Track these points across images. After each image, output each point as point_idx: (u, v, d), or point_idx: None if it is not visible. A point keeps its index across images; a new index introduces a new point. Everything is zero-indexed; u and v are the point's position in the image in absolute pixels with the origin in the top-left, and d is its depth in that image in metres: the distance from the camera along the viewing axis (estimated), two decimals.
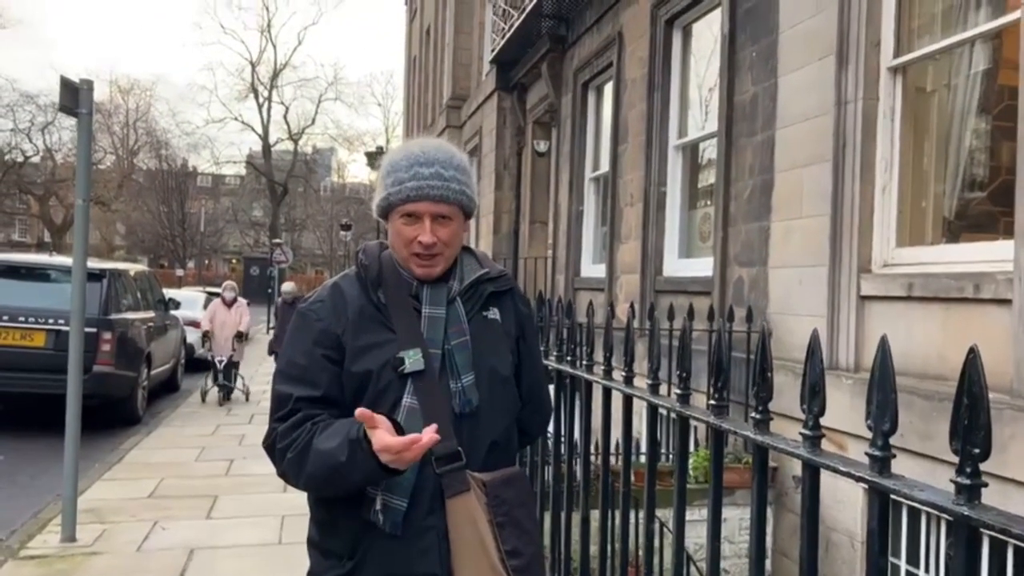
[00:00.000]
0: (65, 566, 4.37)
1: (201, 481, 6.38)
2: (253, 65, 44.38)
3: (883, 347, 1.04)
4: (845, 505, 4.30)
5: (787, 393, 4.10)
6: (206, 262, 51.97)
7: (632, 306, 5.16)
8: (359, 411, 1.45)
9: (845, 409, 4.04)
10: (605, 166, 8.39)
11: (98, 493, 5.80)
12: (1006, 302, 3.43)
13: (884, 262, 4.36)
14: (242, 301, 11.01)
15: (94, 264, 8.60)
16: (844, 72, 4.48)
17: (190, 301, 14.10)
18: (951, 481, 0.92)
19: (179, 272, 41.57)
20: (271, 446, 1.61)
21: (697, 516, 3.91)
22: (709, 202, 6.45)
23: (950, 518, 0.91)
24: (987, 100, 4.12)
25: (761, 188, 5.36)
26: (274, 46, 59.14)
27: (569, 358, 2.39)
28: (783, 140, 5.14)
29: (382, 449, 1.43)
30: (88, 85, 4.42)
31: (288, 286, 11.72)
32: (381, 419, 1.47)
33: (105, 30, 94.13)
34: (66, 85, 4.34)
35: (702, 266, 6.28)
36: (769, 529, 5.14)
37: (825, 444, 4.06)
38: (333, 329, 1.63)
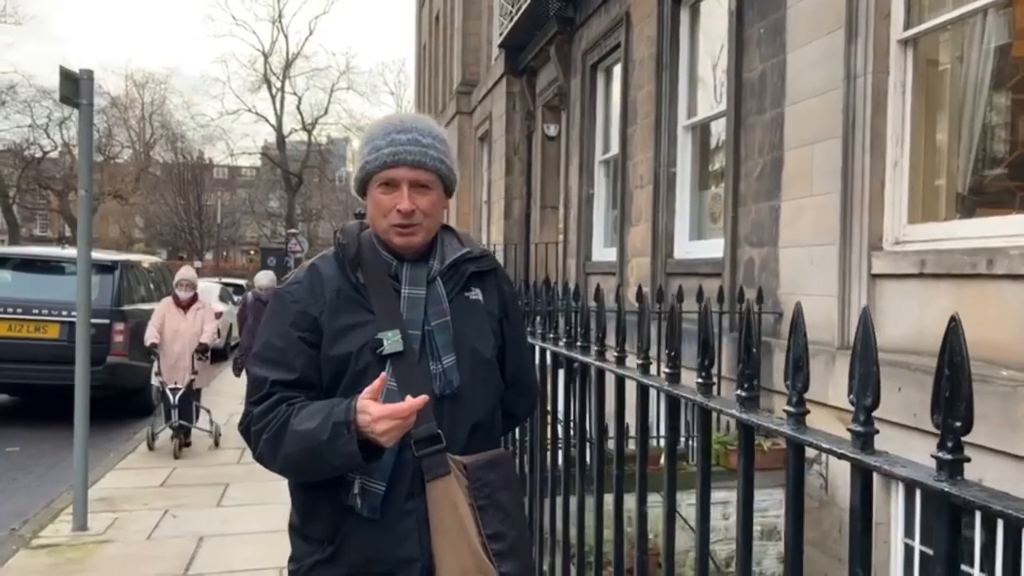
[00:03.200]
0: (75, 554, 4.41)
1: (213, 469, 6.41)
2: (265, 56, 44.39)
3: (864, 320, 0.98)
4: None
5: None
6: (224, 254, 52.28)
7: (640, 288, 5.11)
8: (380, 380, 1.49)
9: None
10: (615, 148, 8.30)
11: (111, 482, 5.84)
12: (1020, 277, 3.35)
13: (896, 239, 4.27)
14: (204, 301, 7.74)
15: (106, 256, 8.67)
16: (853, 46, 4.38)
17: (205, 292, 14.16)
18: (932, 456, 0.87)
19: (197, 264, 41.86)
20: (246, 429, 1.59)
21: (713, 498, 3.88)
22: (719, 182, 6.36)
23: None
24: (1001, 72, 4.00)
25: (771, 166, 5.27)
26: (286, 36, 58.92)
27: (565, 341, 2.35)
28: (792, 117, 5.04)
29: (387, 415, 1.42)
30: (88, 75, 4.40)
31: (264, 277, 8.57)
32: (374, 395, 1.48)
33: (118, 24, 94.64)
34: (66, 76, 4.32)
35: (713, 247, 6.20)
36: (781, 511, 5.08)
37: (836, 424, 3.98)
38: (310, 311, 1.59)
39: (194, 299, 7.38)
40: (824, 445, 1.05)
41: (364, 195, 1.65)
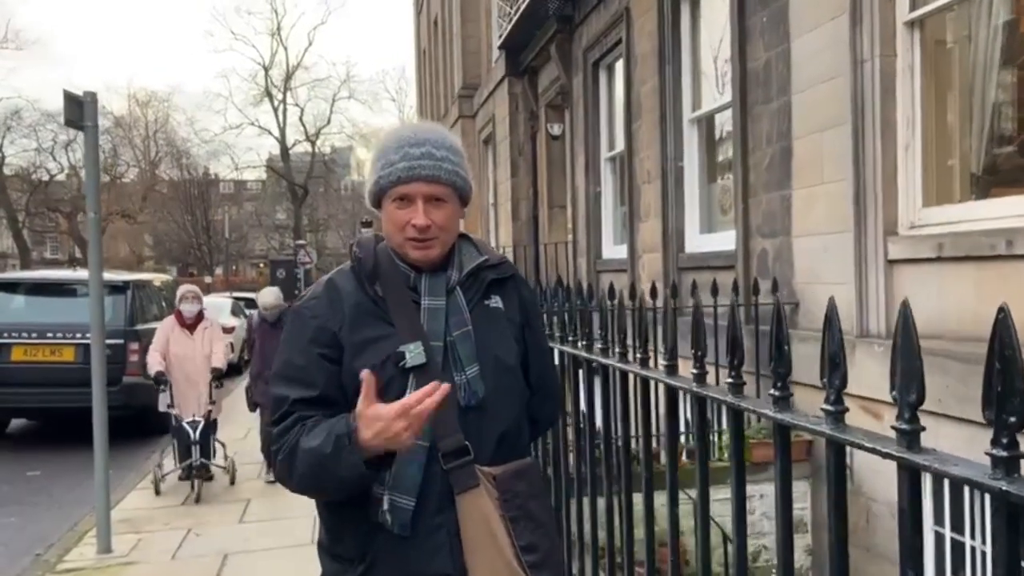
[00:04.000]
0: None
1: (233, 485, 6.40)
2: (266, 69, 44.53)
3: (904, 312, 0.95)
4: (883, 475, 4.18)
5: (814, 365, 4.00)
6: (233, 268, 52.48)
7: (654, 285, 5.07)
8: (364, 372, 1.41)
9: (878, 377, 3.92)
10: (620, 145, 8.26)
11: (133, 503, 5.85)
12: None
13: (911, 223, 4.22)
14: (211, 318, 6.87)
15: (117, 276, 8.70)
16: (859, 30, 4.33)
17: (216, 307, 14.21)
18: (986, 454, 0.84)
19: (207, 279, 42.02)
20: (267, 451, 1.57)
21: (723, 495, 3.85)
22: (728, 174, 6.32)
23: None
24: (1011, 50, 3.95)
25: (780, 156, 5.23)
26: (285, 49, 59.15)
27: (584, 343, 2.32)
28: (799, 105, 5.00)
29: (374, 417, 1.38)
30: (92, 98, 4.41)
31: (269, 295, 6.88)
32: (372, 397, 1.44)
33: (119, 45, 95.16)
34: (70, 99, 4.33)
35: (725, 240, 6.16)
36: (808, 503, 5.04)
37: (860, 413, 3.93)
38: (329, 326, 1.57)
39: (200, 316, 6.52)
40: (867, 444, 1.02)
41: (378, 207, 1.62)
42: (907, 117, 4.23)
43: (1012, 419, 0.80)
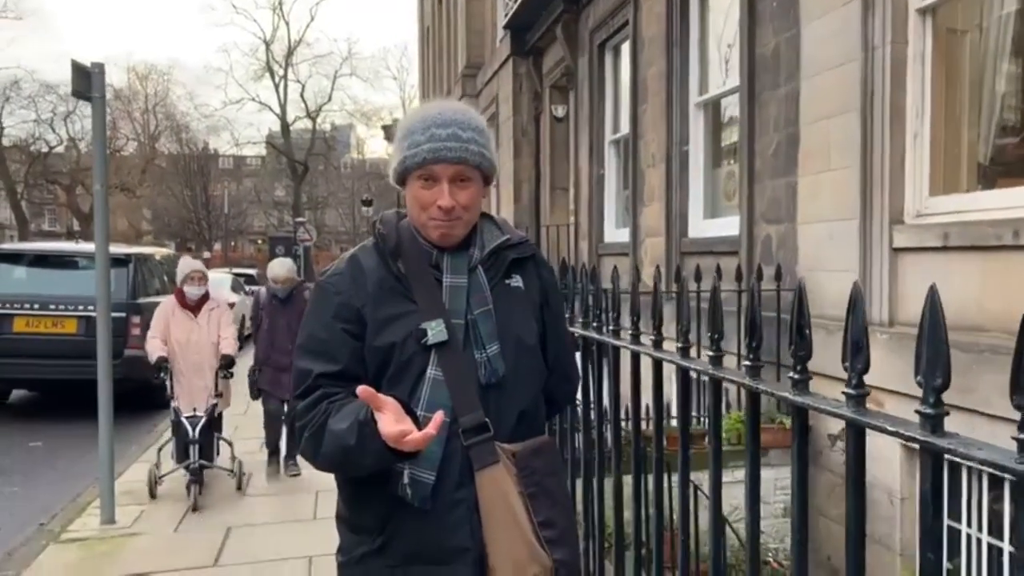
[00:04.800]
0: (106, 548, 4.45)
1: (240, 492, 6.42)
2: (267, 44, 44.24)
3: (932, 298, 0.97)
4: (881, 461, 4.22)
5: (819, 350, 4.00)
6: (232, 244, 52.40)
7: (658, 268, 5.09)
8: (360, 389, 1.41)
9: (880, 364, 3.93)
10: (625, 128, 8.24)
11: (136, 475, 5.87)
12: None
13: (917, 212, 4.23)
14: (219, 299, 6.05)
15: (120, 249, 8.70)
16: (870, 16, 4.32)
17: (216, 283, 14.18)
18: (1013, 438, 0.85)
19: (206, 255, 41.95)
20: (291, 424, 1.59)
21: (731, 478, 3.87)
22: (733, 160, 6.31)
23: (1012, 477, 0.84)
24: (1022, 40, 3.94)
25: (787, 142, 5.22)
26: (287, 24, 58.91)
27: (595, 324, 2.33)
28: (808, 91, 4.98)
29: (384, 436, 1.40)
30: (100, 69, 4.39)
31: (280, 267, 6.06)
32: (388, 401, 1.42)
33: (118, 17, 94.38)
34: (78, 70, 4.31)
35: (728, 225, 6.16)
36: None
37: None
38: (353, 302, 1.58)
39: (205, 297, 5.69)
40: (889, 428, 1.04)
41: (402, 185, 1.63)
42: (916, 105, 4.22)
43: None
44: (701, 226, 6.77)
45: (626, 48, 8.17)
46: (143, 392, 8.52)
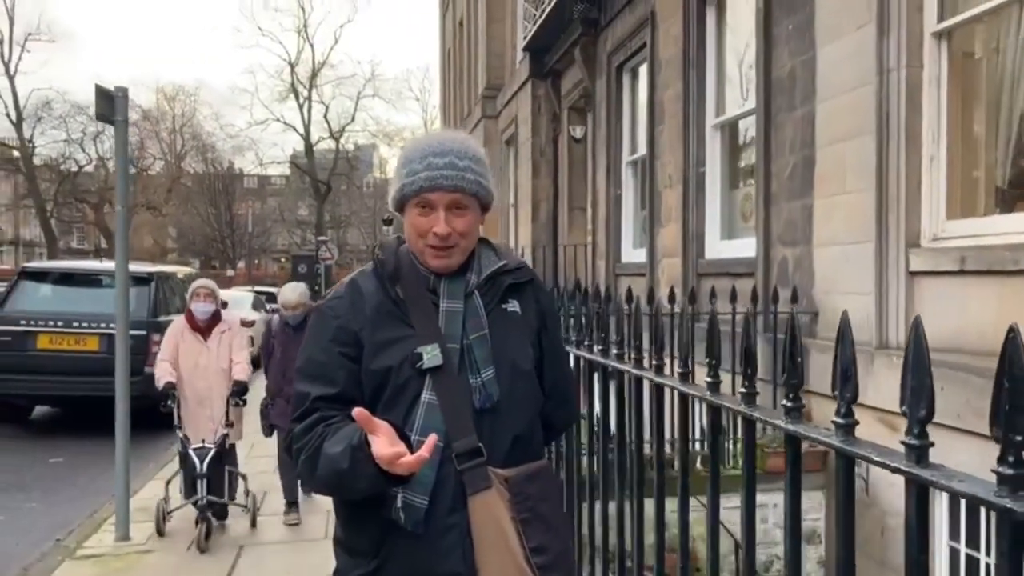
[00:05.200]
0: (120, 564, 4.48)
1: (251, 479, 6.46)
2: (292, 66, 44.86)
3: (916, 328, 0.96)
4: (898, 488, 4.15)
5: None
6: (256, 262, 52.94)
7: (672, 290, 5.08)
8: (356, 411, 1.42)
9: (896, 389, 3.90)
10: (642, 149, 8.26)
11: (152, 492, 5.90)
12: None
13: (934, 236, 4.19)
14: (231, 319, 5.57)
15: (142, 268, 8.82)
16: (885, 40, 4.31)
17: (237, 301, 14.35)
18: (992, 471, 0.85)
19: (229, 273, 42.41)
20: (288, 448, 1.60)
21: (737, 504, 3.83)
22: (750, 181, 6.30)
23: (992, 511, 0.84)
24: None
25: (802, 164, 5.21)
26: (311, 46, 59.54)
27: (600, 348, 2.33)
28: (823, 114, 4.98)
29: (377, 458, 1.41)
30: (123, 93, 4.48)
31: (292, 292, 5.53)
32: (382, 425, 1.43)
33: (148, 39, 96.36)
34: (102, 93, 4.40)
35: (745, 247, 6.14)
36: (822, 514, 5.01)
37: (877, 425, 3.90)
38: (351, 326, 1.60)
39: (216, 318, 5.25)
40: (875, 458, 1.03)
41: (401, 212, 1.66)
42: (932, 128, 4.20)
43: (1019, 437, 0.81)
44: (718, 247, 6.75)
45: (644, 70, 8.20)
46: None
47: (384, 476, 1.42)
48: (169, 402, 4.95)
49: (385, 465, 1.39)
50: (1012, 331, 0.83)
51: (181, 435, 5.00)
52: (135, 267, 8.53)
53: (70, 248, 50.25)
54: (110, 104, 4.42)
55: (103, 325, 8.07)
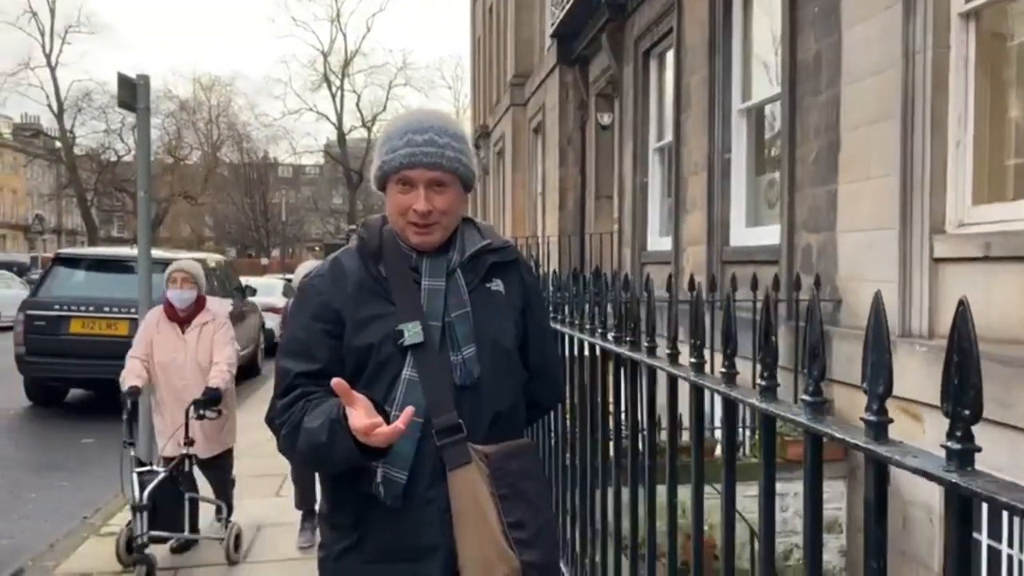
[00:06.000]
0: None
1: (272, 460, 6.55)
2: (325, 55, 45.26)
3: (876, 306, 0.94)
4: (921, 479, 4.09)
5: (856, 362, 3.90)
6: (290, 251, 53.60)
7: (692, 278, 5.03)
8: (335, 382, 1.43)
9: (920, 377, 3.83)
10: (669, 136, 8.18)
11: None
12: None
13: (959, 221, 4.10)
14: (216, 309, 4.64)
15: (169, 255, 8.97)
16: (911, 21, 4.21)
17: (267, 288, 14.55)
18: (941, 446, 0.83)
19: (264, 261, 42.97)
20: (270, 421, 1.63)
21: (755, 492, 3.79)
22: (775, 167, 6.20)
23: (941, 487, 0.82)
24: None
25: (827, 149, 5.12)
26: (344, 35, 60.04)
27: (614, 334, 2.29)
28: (848, 98, 4.88)
29: (353, 430, 1.42)
30: (144, 81, 4.55)
31: (304, 272, 3.29)
32: (359, 398, 1.45)
33: (185, 31, 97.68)
34: (123, 81, 4.47)
35: (770, 234, 6.06)
36: (844, 504, 4.96)
37: (899, 414, 3.82)
38: (333, 303, 1.62)
39: (199, 306, 4.35)
40: (838, 435, 1.01)
41: (383, 191, 1.66)
42: (959, 112, 4.10)
43: (966, 412, 0.79)
44: (743, 235, 6.67)
45: (670, 56, 8.11)
46: None
47: (360, 450, 1.44)
48: (125, 412, 4.06)
49: (362, 437, 1.40)
50: (961, 304, 0.81)
51: (133, 454, 4.10)
52: (163, 254, 8.70)
53: (110, 236, 51.30)
54: (132, 91, 4.49)
55: (134, 310, 8.22)
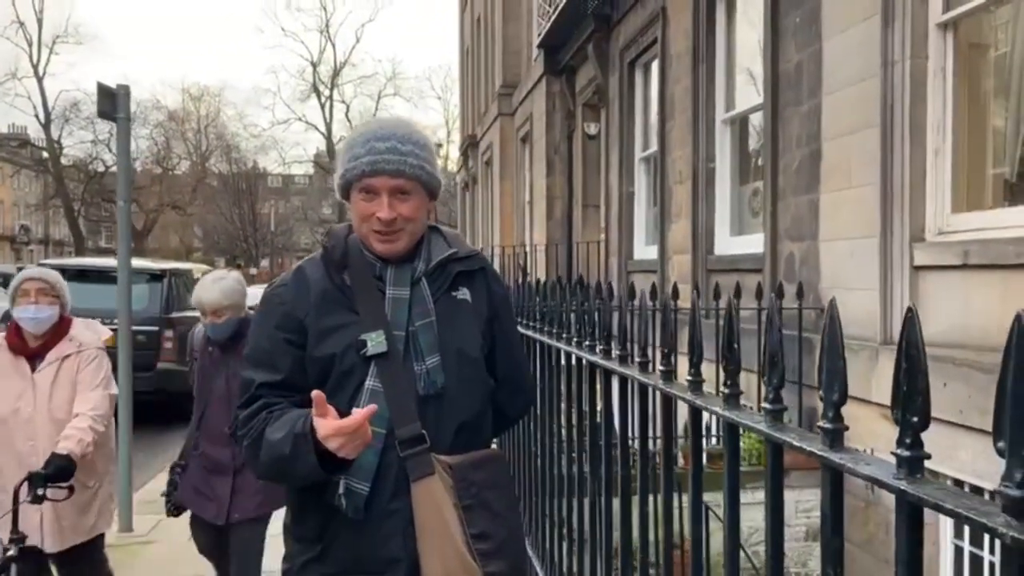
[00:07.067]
0: (121, 555, 4.52)
1: None
2: (314, 65, 45.28)
3: (831, 312, 0.94)
4: None
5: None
6: (279, 260, 53.41)
7: (675, 287, 5.03)
8: (315, 394, 1.42)
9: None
10: (654, 145, 8.21)
11: (159, 485, 5.97)
12: None
13: (939, 230, 4.12)
14: (84, 336, 3.14)
15: (154, 265, 8.92)
16: (890, 31, 4.24)
17: (253, 297, 14.44)
18: (891, 453, 0.82)
19: (253, 271, 42.82)
20: (233, 433, 1.61)
21: (749, 499, 3.78)
22: (759, 176, 6.23)
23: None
24: None
25: (809, 159, 5.14)
26: (333, 45, 60.12)
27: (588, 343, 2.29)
28: (829, 107, 4.91)
29: (336, 432, 1.40)
30: (124, 90, 4.53)
31: (212, 288, 3.23)
32: (332, 412, 1.44)
33: (174, 41, 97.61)
34: (103, 91, 4.45)
35: (754, 243, 6.08)
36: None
37: (882, 422, 3.83)
38: (296, 313, 1.60)
39: (60, 331, 3.12)
40: (796, 443, 1.01)
41: (347, 199, 1.65)
42: (937, 121, 4.12)
43: (915, 419, 0.79)
44: (727, 243, 6.69)
45: (655, 66, 8.15)
46: (175, 404, 8.69)
47: (323, 465, 1.42)
48: None
49: (331, 435, 1.39)
50: (910, 311, 0.80)
51: None
52: (148, 264, 8.65)
53: (98, 247, 51.00)
54: (112, 101, 4.46)
55: (117, 320, 8.17)
